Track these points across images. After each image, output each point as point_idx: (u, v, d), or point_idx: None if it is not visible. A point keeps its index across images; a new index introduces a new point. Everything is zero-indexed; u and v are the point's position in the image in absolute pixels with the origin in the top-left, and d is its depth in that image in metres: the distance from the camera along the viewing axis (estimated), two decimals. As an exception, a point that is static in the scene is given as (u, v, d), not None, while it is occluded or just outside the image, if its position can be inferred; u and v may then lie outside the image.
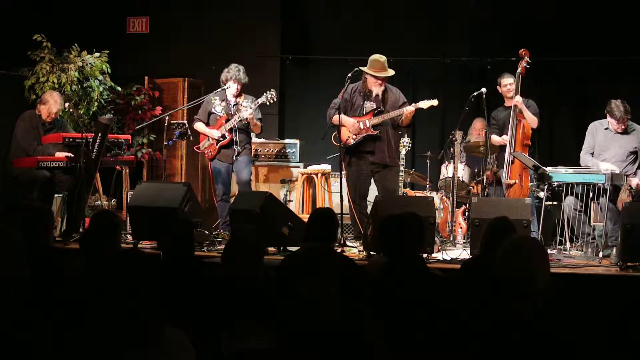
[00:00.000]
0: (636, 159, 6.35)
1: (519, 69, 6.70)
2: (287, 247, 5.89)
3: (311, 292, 2.64)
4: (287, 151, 8.05)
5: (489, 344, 2.57)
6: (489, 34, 8.56)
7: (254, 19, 9.03)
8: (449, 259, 5.79)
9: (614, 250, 5.76)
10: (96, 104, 7.98)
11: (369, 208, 6.48)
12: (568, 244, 6.13)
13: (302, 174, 7.70)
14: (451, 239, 6.78)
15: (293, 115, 9.07)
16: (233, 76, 6.89)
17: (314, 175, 7.63)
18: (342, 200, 6.30)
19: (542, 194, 6.01)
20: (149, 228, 6.06)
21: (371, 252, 5.68)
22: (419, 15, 8.93)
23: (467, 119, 7.23)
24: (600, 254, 5.78)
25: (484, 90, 6.72)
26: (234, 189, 7.23)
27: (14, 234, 2.50)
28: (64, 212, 6.83)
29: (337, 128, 6.42)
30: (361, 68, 6.56)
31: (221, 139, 6.92)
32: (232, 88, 6.94)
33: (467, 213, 7.09)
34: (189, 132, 7.19)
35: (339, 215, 5.48)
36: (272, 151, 8.05)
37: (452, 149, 7.14)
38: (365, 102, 6.63)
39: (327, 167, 7.70)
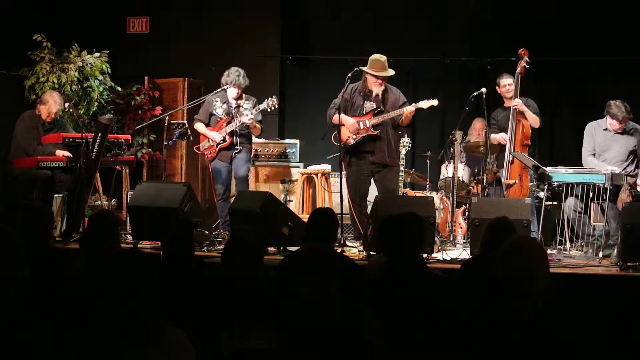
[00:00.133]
0: (635, 158, 6.35)
1: (518, 69, 6.70)
2: (287, 247, 5.89)
3: (311, 292, 2.64)
4: (287, 151, 8.06)
5: (489, 344, 2.57)
6: (489, 34, 8.56)
7: (254, 19, 9.03)
8: (449, 259, 5.79)
9: (615, 250, 5.76)
10: (96, 104, 7.98)
11: (369, 208, 6.48)
12: (568, 244, 6.13)
13: (302, 174, 7.70)
14: (451, 239, 6.78)
15: (293, 115, 9.07)
16: (233, 81, 6.89)
17: (314, 175, 7.63)
18: (342, 200, 6.30)
19: (542, 194, 6.00)
20: (149, 228, 6.06)
21: (371, 252, 5.68)
22: (419, 15, 8.93)
23: (467, 119, 7.23)
24: (600, 254, 5.78)
25: (484, 90, 6.72)
26: (235, 188, 7.23)
27: (14, 234, 2.50)
28: (64, 212, 6.83)
29: (337, 128, 6.42)
30: (361, 68, 6.56)
31: (221, 142, 6.93)
32: (232, 91, 6.95)
33: (467, 213, 7.09)
34: (189, 132, 7.19)
35: (339, 215, 5.48)
36: (273, 151, 8.05)
37: (452, 149, 7.14)
38: (365, 102, 6.64)
39: (327, 167, 7.70)
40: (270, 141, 8.12)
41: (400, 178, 6.80)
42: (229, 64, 7.22)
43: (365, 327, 2.62)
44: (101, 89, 7.99)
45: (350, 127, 6.53)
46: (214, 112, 7.03)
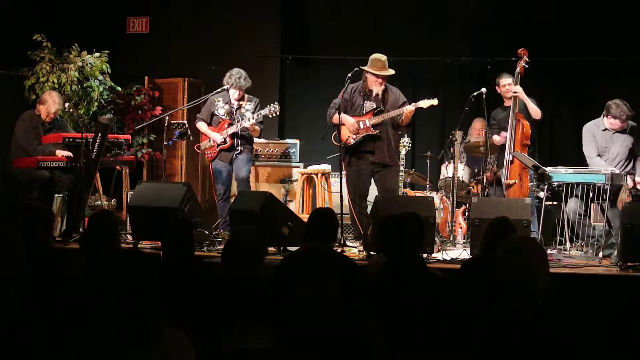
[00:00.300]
0: (631, 156, 6.36)
1: (518, 69, 6.70)
2: (287, 247, 5.89)
3: (311, 292, 2.64)
4: (287, 151, 8.06)
5: (489, 344, 2.57)
6: (489, 34, 8.56)
7: (254, 19, 9.03)
8: (449, 259, 5.78)
9: (615, 250, 5.76)
10: (96, 104, 7.98)
11: (369, 208, 6.48)
12: (568, 244, 6.13)
13: (302, 174, 7.70)
14: (451, 239, 6.78)
15: (293, 115, 9.06)
16: (234, 83, 6.89)
17: (314, 175, 7.63)
18: (342, 200, 6.30)
19: (542, 194, 6.00)
20: (149, 228, 6.06)
21: (371, 252, 5.68)
22: (419, 15, 8.92)
23: (467, 119, 7.23)
24: (600, 254, 5.77)
25: (484, 90, 6.72)
26: (235, 189, 7.24)
27: (14, 234, 2.50)
28: (64, 212, 6.83)
29: (337, 128, 6.42)
30: (362, 67, 6.56)
31: (222, 143, 6.93)
32: (233, 93, 6.95)
33: (467, 213, 7.09)
34: (189, 132, 7.19)
35: (339, 215, 5.48)
36: (273, 151, 8.05)
37: (452, 149, 7.14)
38: (365, 101, 6.64)
39: (327, 167, 7.70)
40: (271, 141, 8.12)
41: (400, 178, 6.80)
42: (229, 64, 7.22)
43: (365, 327, 2.62)
44: (101, 89, 8.00)
45: (350, 127, 6.53)
46: (216, 112, 7.03)
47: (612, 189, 5.80)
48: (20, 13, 8.62)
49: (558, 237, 6.14)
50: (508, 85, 6.81)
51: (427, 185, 7.88)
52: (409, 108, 6.50)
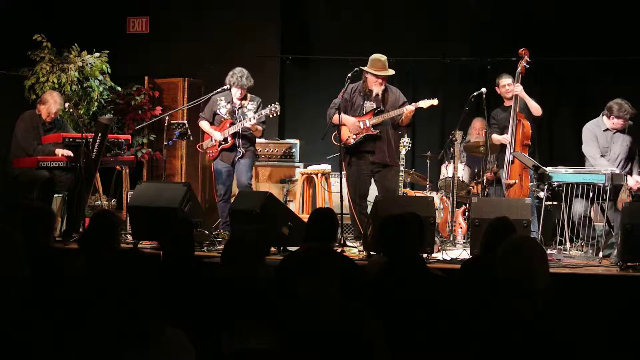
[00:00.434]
0: (631, 156, 6.37)
1: (519, 69, 6.70)
2: (287, 247, 5.89)
3: (311, 292, 2.63)
4: (287, 151, 8.06)
5: (489, 344, 2.57)
6: (489, 34, 8.56)
7: (254, 19, 9.03)
8: (449, 259, 5.79)
9: (615, 250, 5.75)
10: (96, 104, 7.98)
11: (369, 208, 6.48)
12: (568, 244, 6.12)
13: (302, 174, 7.70)
14: (451, 239, 6.78)
15: (293, 115, 9.06)
16: (236, 82, 6.88)
17: (314, 175, 7.63)
18: (342, 200, 6.30)
19: (542, 194, 6.00)
20: (149, 228, 6.06)
21: (371, 252, 5.68)
22: (419, 15, 8.93)
23: (467, 119, 7.24)
24: (600, 254, 5.77)
25: (484, 90, 6.72)
26: (236, 189, 7.23)
27: (14, 234, 2.50)
28: (64, 212, 6.83)
29: (337, 128, 6.42)
30: (362, 67, 6.56)
31: (223, 142, 6.92)
32: (235, 92, 6.95)
33: (467, 213, 7.09)
34: (189, 132, 7.19)
35: (339, 215, 5.48)
36: (273, 151, 8.05)
37: (452, 149, 7.14)
38: (365, 101, 6.63)
39: (327, 167, 7.70)
40: (271, 141, 8.12)
41: (400, 178, 6.80)
42: (229, 64, 7.22)
43: (365, 327, 2.62)
44: (101, 89, 8.00)
45: (351, 126, 6.53)
46: (218, 111, 7.02)
47: (613, 189, 5.80)
48: (20, 13, 8.62)
49: (558, 237, 6.13)
50: (508, 86, 6.82)
51: (427, 185, 7.88)
52: (409, 108, 6.50)
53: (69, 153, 6.56)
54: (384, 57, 6.59)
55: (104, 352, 2.05)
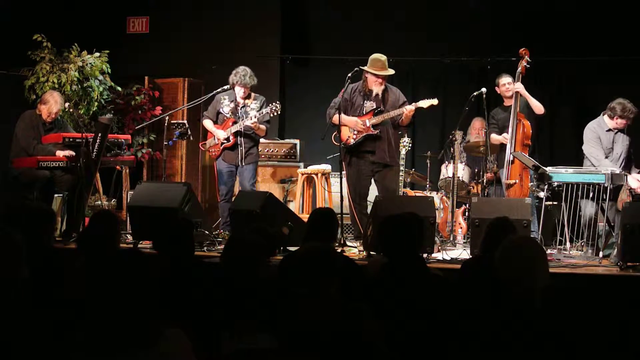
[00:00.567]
0: (630, 156, 6.38)
1: (519, 69, 6.70)
2: (287, 247, 5.89)
3: (311, 292, 2.63)
4: (287, 151, 8.06)
5: (488, 344, 2.57)
6: (489, 34, 8.56)
7: (254, 19, 9.03)
8: (449, 259, 5.78)
9: (615, 250, 5.75)
10: (96, 104, 7.98)
11: (369, 208, 6.48)
12: (568, 244, 6.12)
13: (302, 174, 7.70)
14: (451, 239, 6.78)
15: (293, 115, 9.06)
16: (238, 80, 6.88)
17: (314, 175, 7.64)
18: (342, 200, 6.30)
19: (542, 194, 6.00)
20: (149, 228, 6.05)
21: (371, 252, 5.68)
22: (419, 15, 8.92)
23: (467, 118, 7.24)
24: (600, 254, 5.77)
25: (484, 90, 6.72)
26: (237, 189, 7.22)
27: (14, 234, 2.50)
28: (64, 212, 6.83)
29: (337, 128, 6.42)
30: (362, 67, 6.56)
31: (225, 141, 6.92)
32: (239, 91, 6.94)
33: (467, 213, 7.09)
34: (189, 132, 7.19)
35: (339, 215, 5.48)
36: (273, 151, 8.05)
37: (452, 149, 7.14)
38: (365, 101, 6.63)
39: (327, 167, 7.70)
40: (271, 141, 8.12)
41: (400, 178, 6.80)
42: (229, 64, 7.22)
43: (365, 327, 2.62)
44: (101, 89, 7.99)
45: (351, 125, 6.53)
46: (221, 110, 7.01)
47: (613, 189, 5.80)
48: (20, 13, 8.62)
49: (558, 237, 6.13)
50: (508, 85, 6.82)
51: (427, 185, 7.88)
52: (409, 108, 6.49)
53: (71, 153, 6.56)
54: (383, 57, 6.59)
55: (104, 352, 2.05)
